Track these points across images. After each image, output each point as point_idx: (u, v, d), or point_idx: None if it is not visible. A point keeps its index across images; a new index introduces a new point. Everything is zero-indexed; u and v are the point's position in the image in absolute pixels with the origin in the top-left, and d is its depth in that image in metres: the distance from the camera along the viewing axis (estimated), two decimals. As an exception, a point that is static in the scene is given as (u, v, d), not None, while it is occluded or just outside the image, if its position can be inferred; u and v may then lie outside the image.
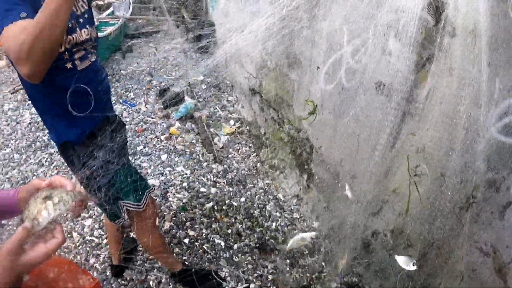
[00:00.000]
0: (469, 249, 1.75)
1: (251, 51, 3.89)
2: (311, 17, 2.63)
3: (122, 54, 6.27)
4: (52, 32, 1.22)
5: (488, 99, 1.59)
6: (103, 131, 1.77)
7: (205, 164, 3.56)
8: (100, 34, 4.40)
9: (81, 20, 1.60)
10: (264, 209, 3.07)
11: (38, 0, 1.34)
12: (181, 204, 3.04)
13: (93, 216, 2.84)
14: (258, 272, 2.51)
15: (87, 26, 1.63)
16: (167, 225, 2.81)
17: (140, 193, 1.93)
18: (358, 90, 2.32)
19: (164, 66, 5.74)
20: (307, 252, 2.65)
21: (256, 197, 3.22)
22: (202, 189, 3.22)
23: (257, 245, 2.70)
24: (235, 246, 2.69)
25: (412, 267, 1.85)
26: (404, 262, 1.87)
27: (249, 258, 2.61)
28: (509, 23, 1.39)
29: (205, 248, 2.66)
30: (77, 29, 1.57)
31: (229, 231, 2.82)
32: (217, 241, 2.72)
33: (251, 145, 3.91)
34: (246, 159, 3.71)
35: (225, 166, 3.57)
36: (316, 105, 2.75)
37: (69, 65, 1.57)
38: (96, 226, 2.77)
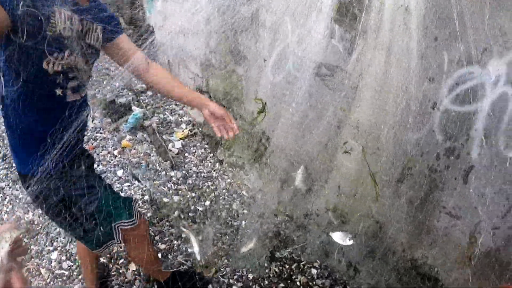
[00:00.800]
0: (439, 216, 1.81)
1: (194, 50, 3.81)
2: (252, 10, 2.60)
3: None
4: None
5: (419, 73, 1.64)
6: (74, 164, 1.65)
7: (163, 172, 3.47)
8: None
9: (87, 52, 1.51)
10: (230, 209, 3.04)
11: None
12: (146, 218, 2.94)
13: (58, 248, 2.67)
14: (237, 273, 2.48)
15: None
16: (135, 242, 2.71)
17: (128, 208, 1.81)
18: (300, 75, 2.33)
19: (106, 77, 5.50)
20: (282, 244, 2.65)
21: (221, 198, 3.17)
22: (165, 199, 3.13)
23: (231, 246, 2.67)
24: (210, 252, 2.64)
25: (348, 242, 1.84)
26: (341, 238, 1.85)
27: (226, 261, 2.57)
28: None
29: (180, 259, 2.59)
30: (79, 55, 1.47)
31: (200, 237, 2.77)
32: (190, 250, 2.65)
33: (206, 146, 3.85)
34: (203, 161, 3.65)
35: (184, 171, 3.49)
36: (265, 103, 2.73)
37: (59, 92, 1.46)
38: (63, 258, 2.60)
